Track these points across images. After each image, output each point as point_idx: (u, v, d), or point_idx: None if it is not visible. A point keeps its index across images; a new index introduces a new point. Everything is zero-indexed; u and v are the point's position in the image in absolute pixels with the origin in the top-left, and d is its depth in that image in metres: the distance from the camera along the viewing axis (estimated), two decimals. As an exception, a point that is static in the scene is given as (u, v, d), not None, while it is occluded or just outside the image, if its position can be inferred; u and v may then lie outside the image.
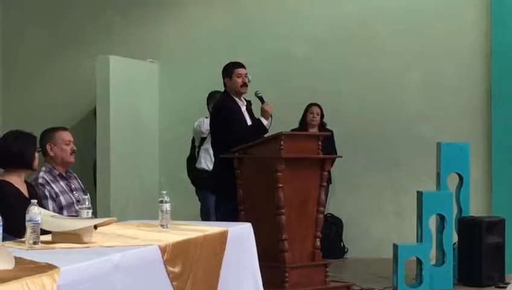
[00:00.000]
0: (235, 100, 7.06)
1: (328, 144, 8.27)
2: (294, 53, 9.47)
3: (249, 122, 7.07)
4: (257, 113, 7.14)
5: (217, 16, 9.77)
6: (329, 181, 8.65)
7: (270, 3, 9.64)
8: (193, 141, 8.65)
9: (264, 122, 6.97)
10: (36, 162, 5.11)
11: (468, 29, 9.07)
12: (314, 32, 9.44)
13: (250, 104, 7.21)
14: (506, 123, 8.75)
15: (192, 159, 8.57)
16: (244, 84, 7.02)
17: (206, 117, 8.21)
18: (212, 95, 8.38)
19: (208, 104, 8.45)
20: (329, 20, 9.43)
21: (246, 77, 7.04)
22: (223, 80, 7.12)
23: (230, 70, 7.07)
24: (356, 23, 9.32)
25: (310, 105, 8.89)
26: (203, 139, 8.40)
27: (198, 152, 8.45)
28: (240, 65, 7.11)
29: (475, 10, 9.03)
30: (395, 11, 9.24)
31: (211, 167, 7.85)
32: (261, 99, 7.10)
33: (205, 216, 8.16)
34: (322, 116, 8.90)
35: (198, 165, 8.38)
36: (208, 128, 7.79)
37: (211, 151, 7.73)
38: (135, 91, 9.48)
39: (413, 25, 9.17)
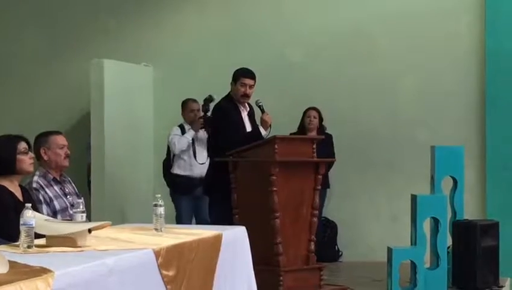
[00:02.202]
0: (236, 105, 7.08)
1: (326, 147, 8.29)
2: (290, 58, 9.48)
3: (249, 129, 7.09)
4: (257, 121, 7.18)
5: (212, 21, 9.78)
6: (327, 186, 8.69)
7: (266, 8, 9.65)
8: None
9: (263, 132, 7.01)
10: (24, 165, 5.00)
11: (462, 35, 9.09)
12: (310, 37, 9.45)
13: (253, 111, 7.23)
14: (500, 127, 8.78)
15: (168, 162, 8.61)
16: (245, 95, 7.04)
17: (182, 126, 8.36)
18: (185, 103, 8.55)
19: (182, 110, 8.56)
20: (325, 25, 9.43)
21: (250, 87, 7.03)
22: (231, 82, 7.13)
23: (237, 76, 7.08)
24: (352, 28, 9.33)
25: (308, 109, 8.91)
26: None
27: (173, 157, 8.48)
28: (248, 75, 7.07)
29: (469, 16, 9.05)
30: (390, 16, 9.25)
31: (183, 172, 8.23)
32: (261, 108, 7.13)
33: (178, 220, 8.23)
34: (321, 119, 8.90)
35: (172, 170, 8.44)
36: (181, 149, 8.19)
37: (185, 157, 8.14)
38: (130, 95, 9.47)
39: (408, 30, 9.19)
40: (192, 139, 8.28)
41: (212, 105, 7.86)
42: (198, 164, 8.17)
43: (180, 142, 8.24)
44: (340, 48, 9.37)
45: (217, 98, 7.59)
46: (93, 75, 9.05)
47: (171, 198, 8.41)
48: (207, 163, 7.95)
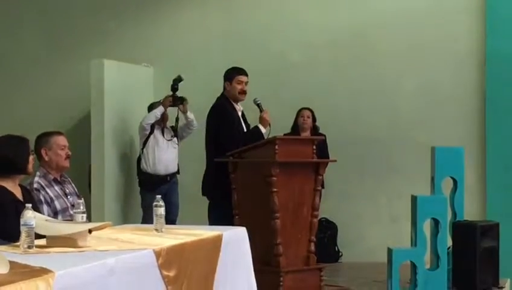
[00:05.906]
0: (233, 105, 7.11)
1: (320, 148, 8.29)
2: (290, 59, 9.48)
3: (244, 129, 7.12)
4: (254, 120, 7.18)
5: (212, 21, 9.78)
6: (322, 185, 8.69)
7: (266, 9, 9.65)
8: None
9: (262, 130, 7.03)
10: (30, 166, 5.06)
11: (462, 36, 9.09)
12: (310, 39, 9.45)
13: (243, 112, 7.27)
14: (500, 128, 8.78)
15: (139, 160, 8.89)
16: (243, 92, 7.11)
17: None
18: (152, 107, 8.80)
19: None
20: (324, 26, 9.44)
21: (246, 84, 7.13)
22: (223, 83, 7.16)
23: (231, 75, 7.15)
24: (351, 30, 9.33)
25: (301, 109, 8.93)
26: (145, 141, 8.65)
27: (141, 154, 8.73)
28: (243, 72, 7.20)
29: (469, 17, 9.05)
30: (389, 18, 9.25)
31: (148, 169, 8.50)
32: (260, 107, 7.16)
33: (144, 213, 8.46)
34: (314, 119, 8.91)
35: (142, 167, 8.67)
36: (148, 122, 8.48)
37: (149, 154, 8.47)
38: (130, 95, 9.47)
39: (408, 32, 9.19)
40: (162, 133, 8.56)
41: (181, 85, 8.49)
42: (162, 161, 8.50)
43: (149, 116, 8.60)
44: (339, 49, 9.36)
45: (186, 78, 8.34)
46: (93, 76, 9.04)
47: (140, 194, 8.71)
48: (172, 158, 8.50)
